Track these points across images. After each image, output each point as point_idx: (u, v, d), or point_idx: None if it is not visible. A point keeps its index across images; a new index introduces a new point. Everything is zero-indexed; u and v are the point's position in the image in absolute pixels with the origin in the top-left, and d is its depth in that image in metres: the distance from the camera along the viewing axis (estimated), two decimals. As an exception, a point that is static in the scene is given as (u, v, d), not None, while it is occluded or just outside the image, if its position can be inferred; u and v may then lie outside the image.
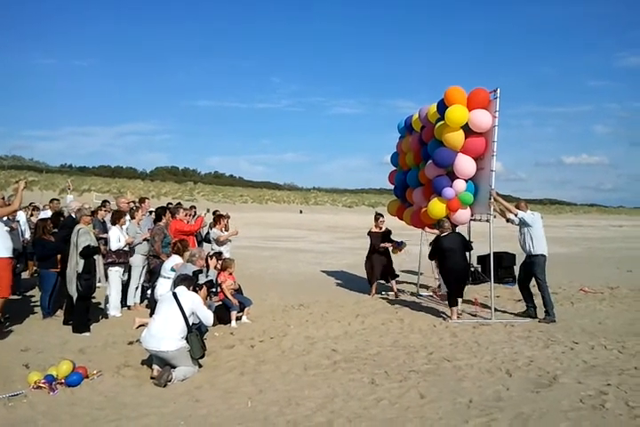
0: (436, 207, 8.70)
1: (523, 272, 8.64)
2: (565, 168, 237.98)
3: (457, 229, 9.71)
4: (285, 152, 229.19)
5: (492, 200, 8.24)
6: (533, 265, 8.38)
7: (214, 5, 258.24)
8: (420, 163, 9.58)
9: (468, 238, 11.29)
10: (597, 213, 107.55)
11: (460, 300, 8.66)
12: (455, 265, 8.40)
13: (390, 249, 10.54)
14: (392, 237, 10.70)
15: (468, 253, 9.06)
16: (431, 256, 8.89)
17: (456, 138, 8.43)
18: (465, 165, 8.54)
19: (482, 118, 8.30)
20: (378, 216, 10.85)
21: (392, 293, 10.58)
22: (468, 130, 8.45)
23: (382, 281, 10.72)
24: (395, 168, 11.02)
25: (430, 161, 8.84)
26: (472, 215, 8.78)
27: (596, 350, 6.56)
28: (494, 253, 8.71)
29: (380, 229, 10.68)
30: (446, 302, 9.22)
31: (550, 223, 58.04)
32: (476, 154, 8.55)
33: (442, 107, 8.59)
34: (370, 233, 10.75)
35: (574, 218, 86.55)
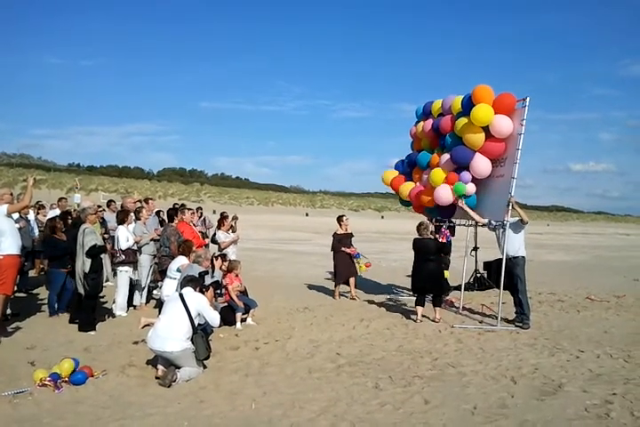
0: (437, 175, 9.00)
1: (507, 277, 8.39)
2: (572, 175, 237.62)
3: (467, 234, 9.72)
4: (291, 154, 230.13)
5: (511, 207, 8.18)
6: (516, 266, 8.32)
7: (221, 7, 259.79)
8: (436, 148, 9.66)
9: (474, 244, 11.33)
10: (604, 221, 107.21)
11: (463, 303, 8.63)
12: (420, 269, 8.59)
13: (357, 261, 10.58)
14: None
15: (444, 259, 9.01)
16: None
17: (477, 138, 8.49)
18: (481, 165, 8.63)
19: (503, 125, 8.32)
20: (342, 217, 10.96)
21: (352, 294, 10.64)
22: (488, 131, 8.49)
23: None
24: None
25: (448, 157, 8.93)
26: (489, 223, 8.71)
27: (601, 358, 6.52)
28: (499, 259, 8.67)
29: (346, 230, 10.77)
30: (452, 308, 9.24)
31: (557, 230, 57.91)
32: (493, 156, 8.60)
33: (467, 103, 8.62)
34: (335, 235, 10.77)
35: (581, 226, 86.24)
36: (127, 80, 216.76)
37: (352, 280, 10.64)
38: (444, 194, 8.86)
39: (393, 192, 11.24)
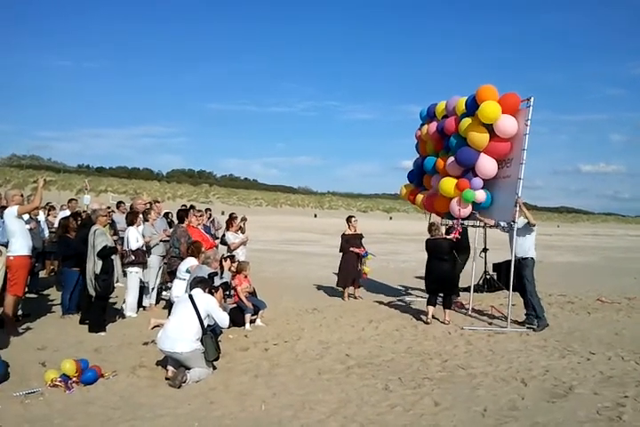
0: (447, 184, 8.97)
1: (516, 278, 8.31)
2: (582, 176, 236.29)
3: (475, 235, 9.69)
4: (299, 156, 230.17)
5: (518, 208, 8.13)
6: (525, 268, 8.26)
7: (229, 8, 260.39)
8: (440, 151, 9.62)
9: (484, 246, 11.28)
10: (615, 223, 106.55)
11: (473, 302, 8.59)
12: (433, 268, 8.61)
13: (362, 260, 10.72)
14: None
15: (456, 259, 9.03)
16: None
17: (481, 138, 8.45)
18: (487, 166, 8.60)
19: (507, 124, 8.28)
20: (351, 218, 11.02)
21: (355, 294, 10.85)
22: (493, 131, 8.45)
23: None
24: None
25: (453, 159, 8.91)
26: (495, 223, 8.67)
27: (612, 360, 6.48)
28: (509, 260, 8.62)
29: (355, 230, 10.82)
30: (461, 310, 9.21)
31: (567, 232, 57.62)
32: (498, 156, 8.57)
33: (472, 104, 8.57)
34: (344, 235, 10.82)
35: (591, 227, 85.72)
36: (131, 82, 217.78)
37: (355, 282, 10.76)
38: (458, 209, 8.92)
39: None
